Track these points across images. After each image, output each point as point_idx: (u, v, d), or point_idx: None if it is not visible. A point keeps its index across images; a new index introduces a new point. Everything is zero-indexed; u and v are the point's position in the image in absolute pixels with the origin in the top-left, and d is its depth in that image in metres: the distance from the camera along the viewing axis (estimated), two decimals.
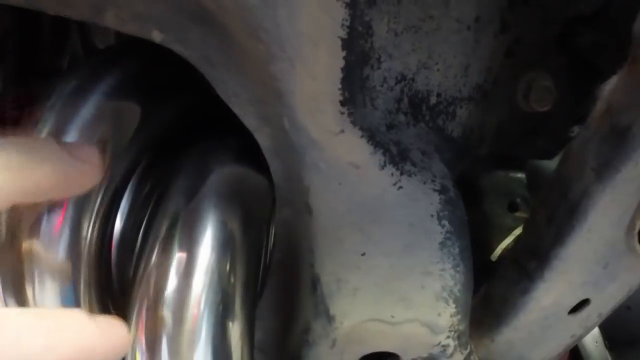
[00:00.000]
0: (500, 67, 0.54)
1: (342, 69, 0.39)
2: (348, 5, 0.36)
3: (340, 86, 0.39)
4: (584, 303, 0.49)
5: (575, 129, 0.60)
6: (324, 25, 0.36)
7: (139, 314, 0.43)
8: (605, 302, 0.49)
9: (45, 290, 0.42)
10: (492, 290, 0.48)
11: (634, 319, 0.68)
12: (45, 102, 0.43)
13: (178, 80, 0.48)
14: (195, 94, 0.48)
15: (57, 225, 0.42)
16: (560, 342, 0.50)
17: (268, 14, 0.35)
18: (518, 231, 0.58)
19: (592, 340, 0.70)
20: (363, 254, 0.42)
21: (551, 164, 0.66)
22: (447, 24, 0.48)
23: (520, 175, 0.61)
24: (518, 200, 0.59)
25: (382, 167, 0.42)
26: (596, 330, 0.70)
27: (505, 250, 0.57)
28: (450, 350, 0.45)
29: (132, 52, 0.47)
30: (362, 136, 0.41)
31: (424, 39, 0.47)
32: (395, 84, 0.47)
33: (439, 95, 0.51)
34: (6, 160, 0.33)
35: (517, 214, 0.58)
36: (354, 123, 0.40)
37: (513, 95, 0.56)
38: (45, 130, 0.42)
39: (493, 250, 0.57)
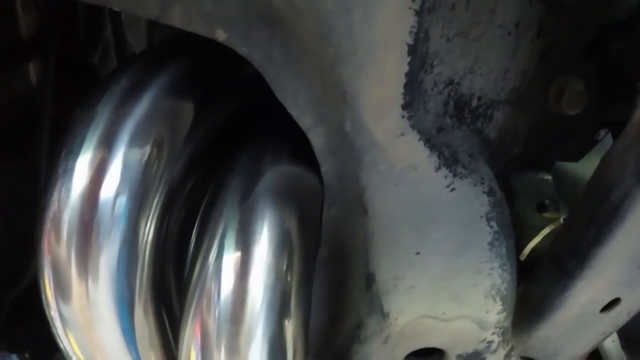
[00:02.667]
0: (535, 70, 0.55)
1: (406, 74, 0.39)
2: (418, 13, 0.37)
3: (403, 91, 0.40)
4: (614, 302, 0.51)
5: (601, 133, 0.62)
6: (395, 32, 0.37)
7: (196, 312, 0.43)
8: (635, 301, 0.51)
9: (100, 289, 0.43)
10: (531, 288, 0.50)
11: None
12: (99, 99, 0.43)
13: (231, 77, 0.48)
14: (247, 93, 0.49)
15: (114, 222, 0.42)
16: (593, 338, 0.52)
17: (343, 18, 0.36)
18: (546, 231, 0.59)
19: (610, 339, 0.72)
20: (418, 253, 0.43)
21: (574, 167, 0.68)
22: (492, 30, 0.50)
23: (548, 177, 0.63)
24: (547, 201, 0.60)
25: (437, 169, 0.43)
26: None
27: (535, 249, 0.59)
28: (494, 346, 0.47)
29: (184, 50, 0.47)
30: (420, 139, 0.42)
31: (472, 44, 0.48)
32: (444, 87, 0.48)
33: (479, 98, 0.52)
34: None
35: (546, 215, 0.60)
36: (413, 126, 0.42)
37: (545, 98, 0.57)
38: (100, 127, 0.43)
39: (522, 249, 0.59)
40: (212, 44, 0.40)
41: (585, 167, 0.65)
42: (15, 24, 0.53)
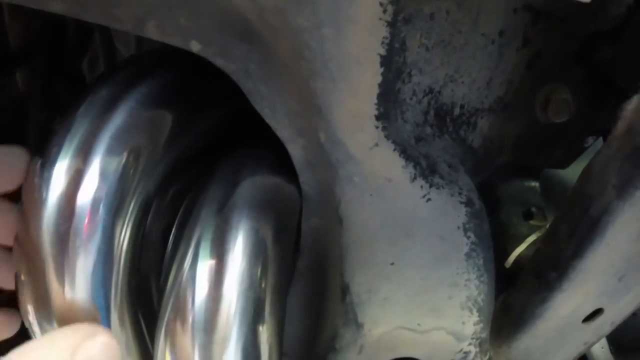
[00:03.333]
0: (521, 79, 0.55)
1: (379, 85, 0.39)
2: (390, 24, 0.37)
3: (376, 101, 0.40)
4: (597, 312, 0.51)
5: (590, 140, 0.61)
6: (367, 44, 0.37)
7: (170, 320, 0.43)
8: (618, 312, 0.51)
9: (77, 294, 0.43)
10: (512, 299, 0.50)
11: (639, 325, 0.70)
12: (78, 109, 0.44)
13: (212, 90, 0.48)
14: (228, 104, 0.49)
15: (90, 230, 0.43)
16: (574, 349, 0.52)
17: (315, 34, 0.36)
18: (532, 239, 0.59)
19: (599, 345, 0.72)
20: (392, 264, 0.43)
21: (563, 174, 0.67)
22: (474, 39, 0.49)
23: (535, 184, 0.62)
24: (533, 209, 0.60)
25: (413, 179, 0.43)
26: None
27: (519, 257, 0.58)
28: (471, 356, 0.47)
29: (167, 61, 0.47)
30: (394, 150, 0.42)
31: (453, 53, 0.48)
32: (423, 96, 0.48)
33: (462, 107, 0.52)
34: None
35: (532, 222, 0.60)
36: (387, 137, 0.41)
37: (531, 106, 0.57)
38: (77, 137, 0.43)
39: (507, 257, 0.59)
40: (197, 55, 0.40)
41: (575, 173, 0.65)
42: (3, 33, 0.53)
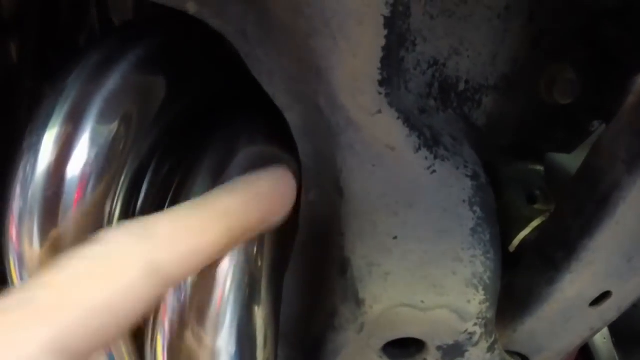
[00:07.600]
0: (526, 57, 0.54)
1: (383, 48, 0.38)
2: None
3: (379, 66, 0.38)
4: (605, 296, 0.49)
5: (595, 124, 0.60)
6: (370, 2, 0.35)
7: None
8: (626, 295, 0.49)
9: None
10: (517, 281, 0.48)
11: None
12: (69, 73, 0.42)
13: (206, 57, 0.46)
14: (223, 71, 0.47)
15: (79, 201, 0.41)
16: (580, 334, 0.50)
17: None
18: (536, 223, 0.57)
19: (601, 336, 0.70)
20: (395, 237, 0.41)
21: (568, 160, 0.66)
22: (480, 11, 0.48)
23: (539, 167, 0.61)
24: (537, 192, 0.58)
25: (417, 150, 0.41)
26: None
27: (524, 241, 0.57)
28: (476, 337, 0.45)
29: (159, 27, 0.45)
30: (398, 118, 0.40)
31: (457, 24, 0.47)
32: (428, 68, 0.46)
33: (467, 82, 0.50)
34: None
35: (536, 206, 0.58)
36: (390, 104, 0.40)
37: (536, 86, 0.56)
38: (68, 102, 0.41)
39: (511, 241, 0.57)
40: (192, 21, 0.39)
41: (580, 160, 0.63)
42: None
